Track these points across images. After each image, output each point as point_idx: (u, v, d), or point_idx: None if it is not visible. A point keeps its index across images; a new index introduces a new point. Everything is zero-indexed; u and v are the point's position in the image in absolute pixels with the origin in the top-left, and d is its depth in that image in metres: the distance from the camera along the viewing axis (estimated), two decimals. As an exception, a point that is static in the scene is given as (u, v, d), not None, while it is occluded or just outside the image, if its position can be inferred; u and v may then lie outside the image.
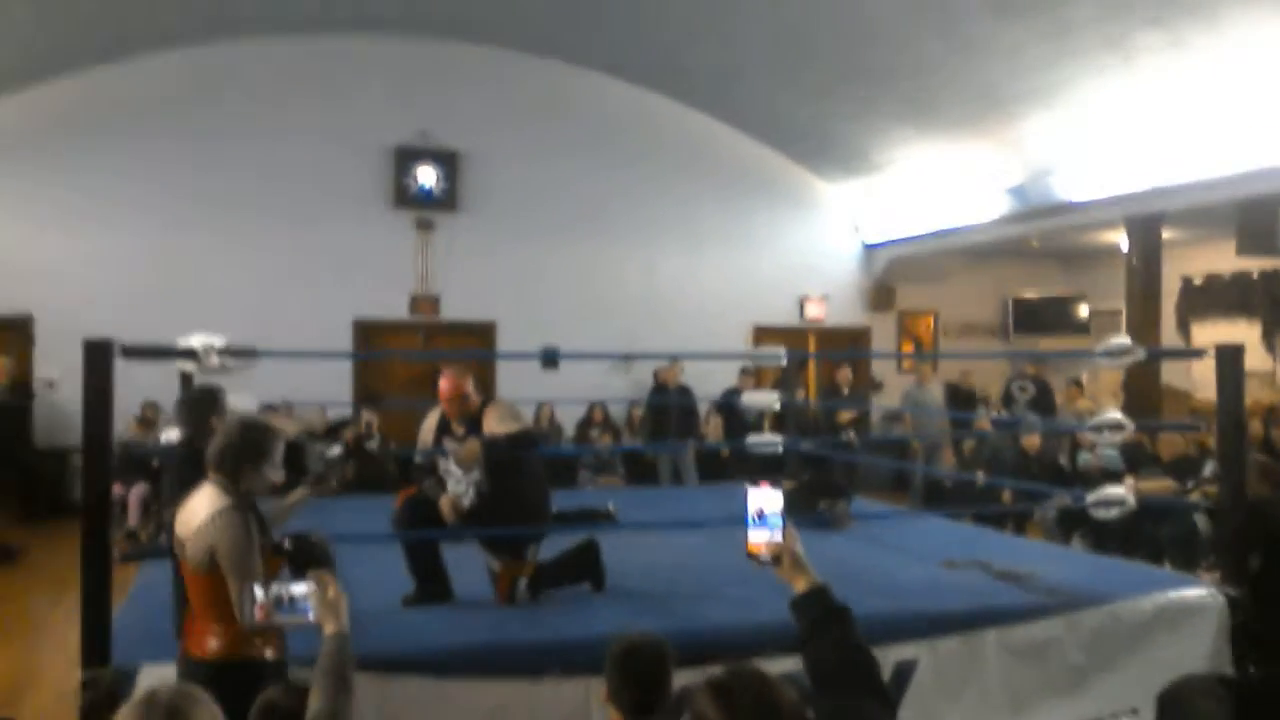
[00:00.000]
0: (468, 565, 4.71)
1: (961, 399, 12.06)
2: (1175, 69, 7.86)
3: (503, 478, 4.51)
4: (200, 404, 3.87)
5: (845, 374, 11.28)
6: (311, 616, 2.44)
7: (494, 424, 4.52)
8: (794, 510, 6.52)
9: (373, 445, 8.59)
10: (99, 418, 3.59)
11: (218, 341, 4.20)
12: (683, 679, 3.43)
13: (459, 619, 4.27)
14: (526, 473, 4.60)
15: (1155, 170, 8.79)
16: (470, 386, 4.64)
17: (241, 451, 3.00)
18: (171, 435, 4.53)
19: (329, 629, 2.40)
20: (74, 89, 10.53)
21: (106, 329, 3.79)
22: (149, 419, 9.42)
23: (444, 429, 4.72)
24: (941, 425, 11.19)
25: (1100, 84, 8.45)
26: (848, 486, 7.64)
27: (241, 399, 5.59)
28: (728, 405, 10.36)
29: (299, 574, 2.82)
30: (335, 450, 3.68)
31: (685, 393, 10.54)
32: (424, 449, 4.80)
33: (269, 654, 2.94)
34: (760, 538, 2.19)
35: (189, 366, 4.27)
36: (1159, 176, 8.78)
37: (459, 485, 4.58)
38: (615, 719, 2.54)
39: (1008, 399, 10.38)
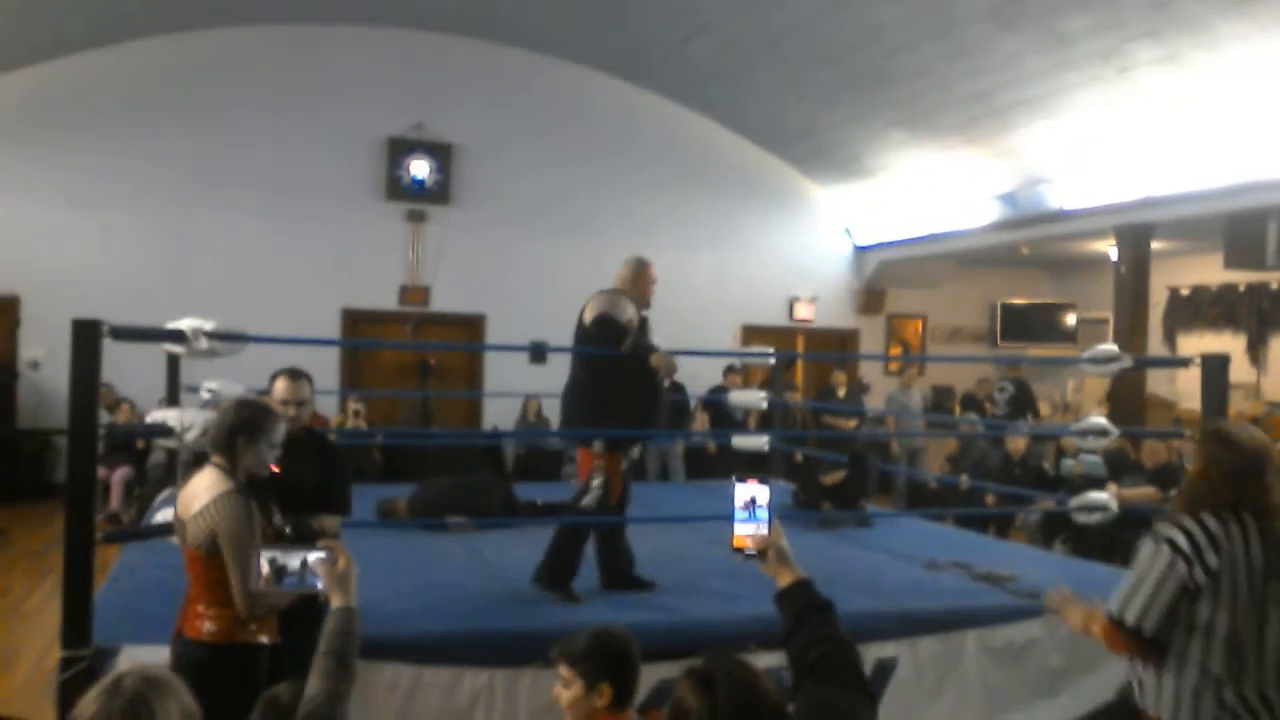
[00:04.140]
0: (455, 551, 4.70)
1: (972, 406, 11.98)
2: (1168, 82, 7.90)
3: None
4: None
5: (841, 375, 11.29)
6: (320, 586, 2.32)
7: None
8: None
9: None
10: (86, 399, 3.56)
11: (206, 325, 4.15)
12: (664, 671, 3.46)
13: (440, 606, 4.27)
14: None
15: (1146, 181, 8.84)
16: None
17: (235, 427, 2.97)
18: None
19: (336, 602, 2.28)
20: (65, 73, 10.48)
21: (93, 311, 3.74)
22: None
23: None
24: (924, 427, 11.23)
25: (1094, 95, 8.49)
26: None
27: (229, 387, 5.59)
28: (714, 403, 10.35)
29: None
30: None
31: (679, 389, 10.52)
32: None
33: (264, 639, 2.92)
34: (746, 531, 2.20)
35: (177, 349, 4.23)
36: (1149, 187, 8.83)
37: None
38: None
39: (991, 400, 10.49)
